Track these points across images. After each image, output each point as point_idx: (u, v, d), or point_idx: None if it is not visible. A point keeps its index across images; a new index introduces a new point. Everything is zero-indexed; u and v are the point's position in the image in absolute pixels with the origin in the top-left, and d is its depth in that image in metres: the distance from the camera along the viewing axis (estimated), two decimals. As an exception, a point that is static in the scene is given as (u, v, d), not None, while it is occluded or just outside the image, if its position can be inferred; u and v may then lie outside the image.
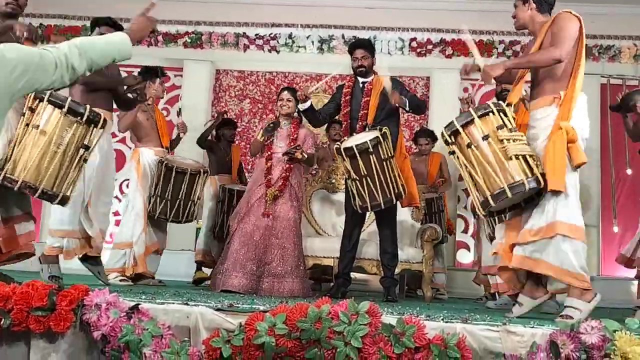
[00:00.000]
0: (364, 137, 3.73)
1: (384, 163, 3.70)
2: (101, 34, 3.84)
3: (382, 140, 3.68)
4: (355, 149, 3.65)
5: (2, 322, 2.23)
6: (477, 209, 2.99)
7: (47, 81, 1.62)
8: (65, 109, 3.02)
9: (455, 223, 6.43)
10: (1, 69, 1.51)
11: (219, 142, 5.70)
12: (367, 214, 4.13)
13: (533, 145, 2.91)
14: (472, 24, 6.64)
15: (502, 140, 2.81)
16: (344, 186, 4.45)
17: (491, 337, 2.17)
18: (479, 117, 2.86)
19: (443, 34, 6.70)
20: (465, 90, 6.88)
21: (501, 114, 2.87)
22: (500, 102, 2.99)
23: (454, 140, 2.93)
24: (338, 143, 3.88)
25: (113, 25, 3.95)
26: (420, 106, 4.17)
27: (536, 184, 2.78)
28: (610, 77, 6.42)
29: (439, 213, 5.37)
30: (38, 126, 3.00)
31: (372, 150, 3.65)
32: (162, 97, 4.78)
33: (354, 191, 3.78)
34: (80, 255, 3.77)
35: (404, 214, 4.61)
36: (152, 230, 4.51)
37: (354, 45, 4.19)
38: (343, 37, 6.68)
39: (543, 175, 2.80)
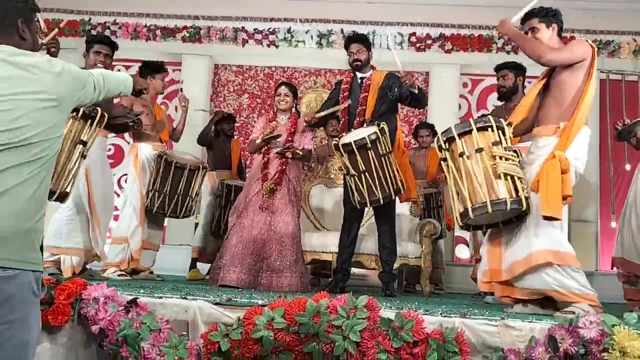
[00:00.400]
0: (362, 133, 3.72)
1: (383, 158, 3.69)
2: (96, 52, 3.87)
3: (380, 136, 3.67)
4: (353, 144, 3.64)
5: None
6: (455, 219, 3.00)
7: (89, 99, 1.81)
8: None
9: (454, 219, 6.43)
10: (68, 83, 1.66)
11: (217, 137, 5.69)
12: (366, 209, 4.13)
13: (526, 169, 2.93)
14: (471, 19, 6.63)
15: (494, 157, 2.82)
16: (342, 181, 4.45)
17: (490, 331, 2.18)
18: (478, 129, 2.86)
19: (442, 29, 6.68)
20: (465, 85, 6.88)
21: (499, 131, 2.88)
22: (502, 119, 2.99)
23: (447, 147, 2.94)
24: (336, 139, 3.87)
25: (109, 43, 3.96)
26: (422, 99, 4.17)
27: (518, 206, 2.78)
28: (609, 73, 6.41)
29: (437, 208, 5.37)
30: None
31: (370, 145, 3.64)
32: (162, 93, 4.74)
33: (353, 187, 3.77)
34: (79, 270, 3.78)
35: (402, 209, 4.61)
36: (148, 225, 4.50)
37: (349, 40, 4.17)
38: (342, 31, 6.65)
39: (527, 199, 2.80)
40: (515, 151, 2.89)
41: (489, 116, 2.99)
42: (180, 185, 4.43)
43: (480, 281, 3.09)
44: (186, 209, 4.54)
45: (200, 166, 4.56)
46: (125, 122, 3.90)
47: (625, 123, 4.30)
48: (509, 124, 2.96)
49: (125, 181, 4.53)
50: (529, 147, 3.09)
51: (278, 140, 4.10)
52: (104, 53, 3.91)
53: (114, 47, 3.99)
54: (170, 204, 4.42)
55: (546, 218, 2.76)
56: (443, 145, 2.94)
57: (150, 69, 4.55)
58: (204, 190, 5.42)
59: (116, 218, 4.67)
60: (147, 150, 4.50)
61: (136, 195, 4.40)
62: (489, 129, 2.87)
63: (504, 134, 2.88)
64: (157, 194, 4.40)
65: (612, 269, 4.44)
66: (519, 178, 2.81)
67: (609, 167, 6.33)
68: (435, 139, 3.03)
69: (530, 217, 2.85)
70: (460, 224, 2.97)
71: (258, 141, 4.09)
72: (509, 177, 2.79)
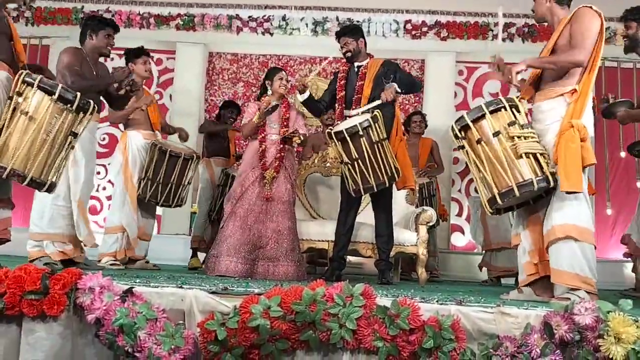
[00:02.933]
0: (354, 121, 3.72)
1: (376, 146, 3.68)
2: (108, 35, 3.89)
3: (372, 123, 3.66)
4: (345, 132, 3.64)
5: (-6, 306, 2.22)
6: (484, 206, 2.94)
7: None
8: (55, 96, 2.96)
9: (449, 207, 6.44)
10: None
11: (218, 121, 5.61)
12: (363, 197, 4.13)
13: (542, 142, 2.84)
14: (467, 6, 6.60)
15: (512, 137, 2.75)
16: (338, 169, 4.44)
17: (485, 318, 2.18)
18: (491, 112, 2.80)
19: (438, 16, 6.65)
20: (460, 73, 6.86)
21: (513, 109, 2.81)
22: (513, 97, 2.92)
23: (464, 135, 2.87)
24: (330, 127, 3.86)
25: (117, 28, 3.99)
26: (413, 84, 4.15)
27: (545, 183, 2.73)
28: (604, 60, 6.40)
29: (430, 198, 5.38)
30: (27, 112, 2.91)
31: (362, 133, 3.63)
32: (148, 77, 4.65)
33: (347, 175, 3.77)
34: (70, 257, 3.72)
35: (398, 197, 4.61)
36: (141, 214, 4.49)
37: (337, 34, 4.16)
38: (337, 19, 6.62)
39: (552, 174, 2.75)
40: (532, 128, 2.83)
41: (500, 97, 2.92)
42: (173, 174, 4.41)
43: (528, 262, 2.95)
44: (179, 198, 4.53)
45: (194, 155, 4.55)
46: (122, 87, 3.88)
47: (608, 100, 4.22)
48: (522, 99, 2.92)
49: (118, 171, 4.48)
50: (532, 114, 2.99)
51: (274, 111, 4.02)
52: (113, 37, 3.95)
53: (117, 30, 4.04)
54: (164, 193, 4.41)
55: (568, 193, 2.72)
56: (459, 134, 2.88)
57: (131, 55, 4.49)
58: (201, 178, 5.40)
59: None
60: (137, 138, 4.46)
61: (128, 184, 4.38)
62: (502, 110, 2.80)
63: (518, 112, 2.82)
64: (149, 182, 4.38)
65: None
66: (541, 154, 2.76)
67: (604, 154, 6.33)
68: (450, 127, 2.94)
69: (554, 191, 2.80)
70: (490, 210, 2.91)
71: (255, 119, 4.02)
72: (530, 156, 2.74)
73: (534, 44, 6.45)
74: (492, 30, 6.57)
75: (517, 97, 2.95)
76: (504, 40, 6.57)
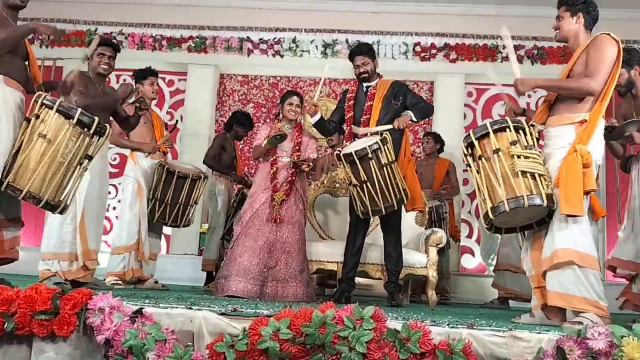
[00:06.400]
0: (363, 143, 3.72)
1: (385, 168, 3.68)
2: (100, 54, 3.86)
3: (382, 146, 3.66)
4: (354, 154, 3.64)
5: (5, 326, 2.22)
6: (481, 221, 2.99)
7: None
8: (74, 120, 2.99)
9: (459, 228, 6.41)
10: None
11: (228, 133, 5.47)
12: (372, 218, 4.12)
13: (546, 165, 2.85)
14: (476, 28, 6.65)
15: (512, 156, 2.80)
16: (347, 190, 4.44)
17: (497, 342, 2.16)
18: (494, 131, 2.86)
19: (447, 39, 6.70)
20: (470, 94, 6.87)
21: (520, 130, 2.87)
22: (520, 119, 2.97)
23: (470, 152, 2.96)
24: (339, 149, 3.87)
25: (111, 45, 3.95)
26: (427, 111, 4.14)
27: (540, 202, 2.74)
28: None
29: (440, 221, 5.36)
30: (45, 135, 2.95)
31: (371, 156, 3.63)
32: (155, 98, 4.64)
33: (356, 197, 3.77)
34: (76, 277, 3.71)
35: (408, 219, 4.59)
36: (148, 234, 4.49)
37: (353, 53, 4.15)
38: (347, 41, 6.68)
39: (550, 195, 2.75)
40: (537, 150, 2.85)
41: (507, 117, 2.96)
42: (181, 195, 4.44)
43: (535, 287, 2.96)
44: (186, 218, 4.55)
45: (202, 176, 4.57)
46: (131, 116, 3.89)
47: (613, 124, 4.17)
48: (532, 125, 2.93)
49: (125, 190, 4.49)
50: (543, 137, 3.00)
51: (283, 140, 4.02)
52: (108, 55, 3.90)
53: (116, 49, 3.98)
54: (172, 214, 4.43)
55: (568, 216, 2.71)
56: (465, 151, 2.97)
57: (138, 76, 4.53)
58: (218, 195, 5.23)
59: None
60: (144, 158, 4.50)
61: (137, 204, 4.39)
62: (507, 130, 2.86)
63: (524, 133, 2.86)
64: (158, 203, 4.41)
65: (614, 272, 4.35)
66: (540, 175, 2.78)
67: (615, 174, 6.27)
68: (461, 145, 3.02)
69: (555, 214, 2.79)
70: (486, 225, 2.94)
71: (264, 144, 4.03)
72: (528, 175, 2.76)
73: (543, 66, 6.48)
74: (501, 53, 6.61)
75: (525, 120, 2.98)
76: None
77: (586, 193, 2.76)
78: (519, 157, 2.79)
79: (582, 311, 2.70)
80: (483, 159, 2.87)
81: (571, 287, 2.71)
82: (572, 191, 2.70)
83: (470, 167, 2.96)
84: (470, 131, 2.96)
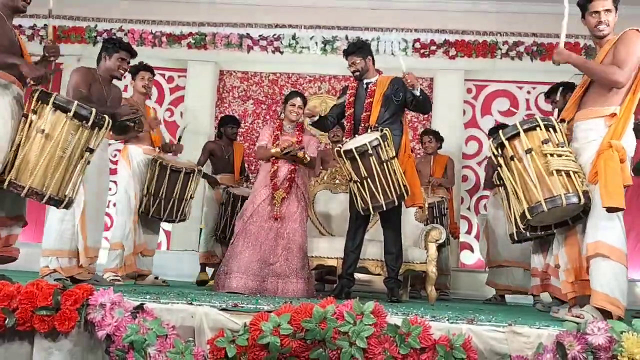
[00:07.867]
0: (363, 139, 3.72)
1: (385, 164, 3.68)
2: (122, 59, 3.90)
3: (382, 142, 3.66)
4: (354, 151, 3.64)
5: (6, 321, 2.23)
6: (517, 223, 2.95)
7: None
8: (71, 113, 2.98)
9: (459, 224, 6.42)
10: None
11: (220, 139, 5.66)
12: (372, 214, 4.12)
13: (578, 161, 2.84)
14: (475, 25, 6.64)
15: (545, 155, 2.78)
16: (347, 186, 4.44)
17: (497, 337, 2.17)
18: (525, 131, 2.84)
19: (447, 35, 6.69)
20: (469, 91, 6.87)
21: (550, 128, 2.85)
22: (550, 117, 2.95)
23: (500, 153, 2.94)
24: (339, 145, 3.87)
25: (134, 53, 4.04)
26: (426, 104, 4.14)
27: (576, 199, 2.72)
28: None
29: (441, 217, 5.37)
30: (43, 130, 2.94)
31: (371, 152, 3.63)
32: (146, 93, 4.60)
33: (356, 193, 3.77)
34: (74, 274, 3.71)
35: (408, 215, 4.60)
36: (144, 230, 4.50)
37: (345, 53, 4.15)
38: (347, 37, 6.68)
39: (585, 192, 2.75)
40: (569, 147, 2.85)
41: (536, 116, 2.95)
42: (175, 189, 4.43)
43: (564, 282, 2.96)
44: (182, 212, 4.54)
45: (195, 169, 4.57)
46: (127, 124, 3.89)
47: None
48: (562, 121, 2.93)
49: (119, 186, 4.50)
50: (571, 133, 2.99)
51: (284, 131, 4.11)
52: (128, 60, 3.97)
53: (135, 55, 4.07)
54: (167, 208, 4.43)
55: (610, 210, 2.70)
56: (495, 152, 2.94)
57: (131, 71, 4.48)
58: (207, 196, 5.41)
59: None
60: (137, 153, 4.48)
61: (128, 199, 4.38)
62: (537, 129, 2.84)
63: (555, 131, 2.85)
64: (152, 198, 4.40)
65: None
66: (574, 172, 2.77)
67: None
68: (488, 145, 3.01)
69: (592, 209, 2.78)
70: (522, 226, 2.93)
71: (273, 150, 4.07)
72: (563, 173, 2.75)
73: (543, 62, 6.48)
74: (500, 49, 6.61)
75: (555, 118, 2.96)
76: (512, 59, 6.60)
77: (625, 187, 2.75)
78: (552, 155, 2.77)
79: (600, 308, 2.67)
80: (515, 159, 2.84)
81: (595, 282, 2.70)
82: (612, 184, 2.69)
83: (502, 168, 2.92)
84: (500, 132, 2.93)
